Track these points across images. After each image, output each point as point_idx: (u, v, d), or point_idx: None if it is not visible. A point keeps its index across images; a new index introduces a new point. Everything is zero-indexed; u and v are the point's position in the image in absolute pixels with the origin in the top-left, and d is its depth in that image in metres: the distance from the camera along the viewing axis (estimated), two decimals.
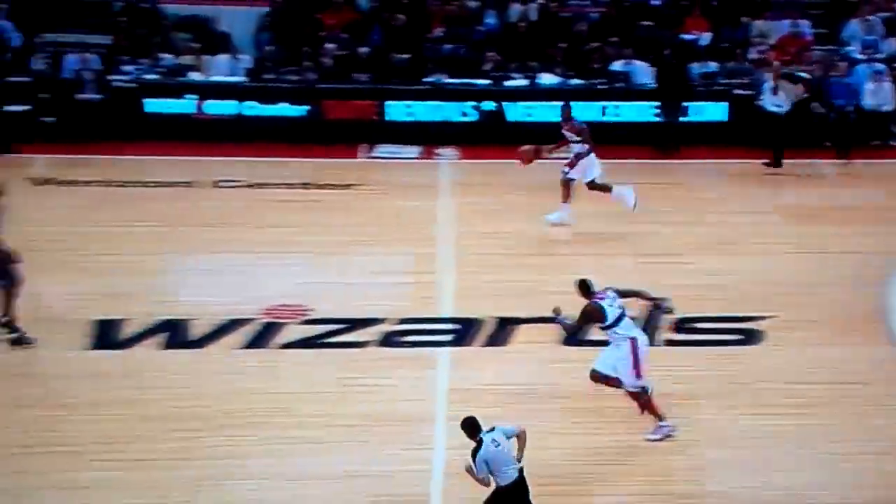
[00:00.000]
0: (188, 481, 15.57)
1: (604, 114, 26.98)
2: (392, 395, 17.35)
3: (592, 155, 22.40)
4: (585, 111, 26.73)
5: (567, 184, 22.49)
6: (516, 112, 27.04)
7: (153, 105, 26.57)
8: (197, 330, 18.98)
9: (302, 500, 15.33)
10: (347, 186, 24.49)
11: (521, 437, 14.19)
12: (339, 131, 26.60)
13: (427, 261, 21.44)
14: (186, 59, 27.56)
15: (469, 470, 13.98)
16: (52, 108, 26.25)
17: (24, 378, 17.59)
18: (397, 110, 27.01)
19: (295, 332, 19.00)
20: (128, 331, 18.90)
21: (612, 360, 16.40)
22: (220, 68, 27.52)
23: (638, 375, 16.32)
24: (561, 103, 22.90)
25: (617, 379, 16.40)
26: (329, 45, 27.72)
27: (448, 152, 26.44)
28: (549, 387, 17.55)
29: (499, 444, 13.95)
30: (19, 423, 16.50)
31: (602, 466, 15.91)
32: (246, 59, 27.70)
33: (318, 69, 27.41)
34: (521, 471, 13.99)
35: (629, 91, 27.23)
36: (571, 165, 22.44)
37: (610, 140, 26.09)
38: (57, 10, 28.07)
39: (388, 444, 16.32)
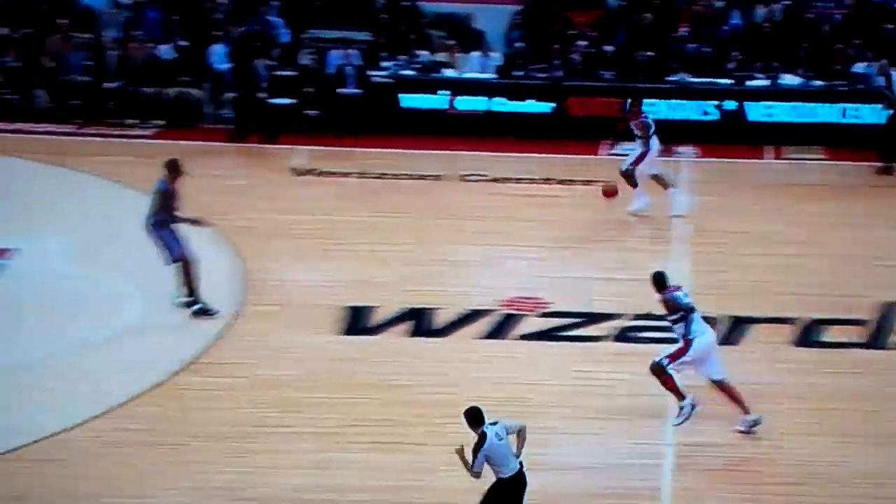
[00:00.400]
0: (429, 466, 15.61)
1: (844, 116, 26.29)
2: (625, 389, 17.17)
3: (651, 152, 22.28)
4: (826, 112, 26.14)
5: (657, 178, 22.47)
6: (757, 112, 26.51)
7: (408, 100, 26.74)
8: (441, 319, 19.04)
9: (537, 489, 15.23)
10: (588, 183, 24.27)
11: (521, 434, 13.89)
12: (582, 128, 26.40)
13: (663, 258, 21.14)
14: (441, 56, 27.66)
15: (460, 453, 13.66)
16: (315, 102, 26.59)
17: (281, 361, 17.86)
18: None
19: (533, 324, 18.93)
20: (377, 318, 19.05)
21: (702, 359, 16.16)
22: (473, 65, 27.55)
23: (671, 359, 16.07)
24: (629, 99, 23.06)
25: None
26: (581, 43, 27.52)
27: (687, 150, 26.06)
28: (780, 387, 17.22)
29: (501, 438, 13.73)
30: (276, 403, 16.76)
31: (822, 468, 15.55)
32: (497, 57, 27.69)
33: (567, 66, 27.26)
34: (521, 464, 13.77)
35: (870, 93, 26.46)
36: (636, 163, 22.39)
37: (849, 143, 25.48)
38: (323, 7, 28.42)
39: (620, 437, 16.19)
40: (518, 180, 24.34)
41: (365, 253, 21.07)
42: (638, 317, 19.04)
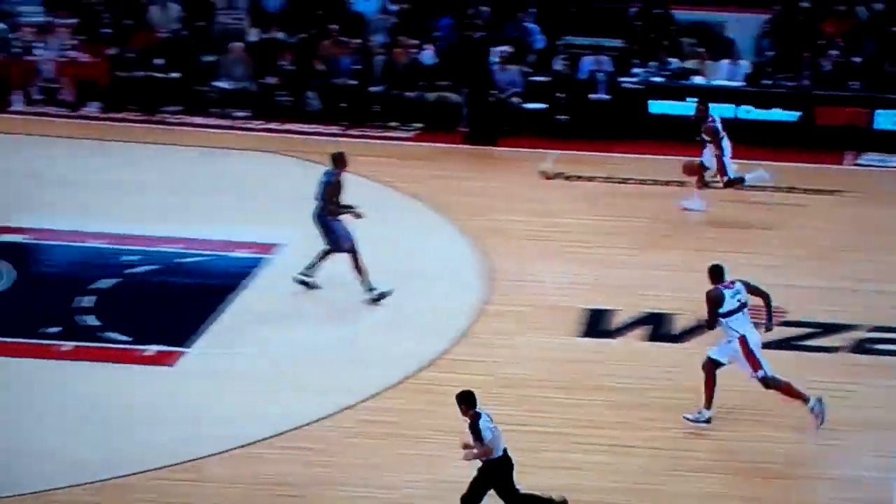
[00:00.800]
0: (659, 470, 15.36)
1: None
2: (860, 401, 16.56)
3: (726, 153, 21.91)
4: None
5: (733, 182, 21.99)
6: None
7: (657, 107, 26.22)
8: (679, 324, 18.62)
9: (767, 498, 14.84)
10: (832, 192, 23.49)
11: None
12: (827, 137, 25.53)
13: None
14: (691, 63, 27.09)
15: (468, 446, 13.68)
16: (566, 108, 26.32)
17: (522, 360, 17.68)
18: (887, 119, 25.66)
19: (769, 333, 18.34)
20: (616, 321, 18.74)
21: (726, 350, 15.81)
22: (721, 73, 26.93)
23: (756, 368, 15.64)
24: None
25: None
26: (832, 52, 26.65)
27: None
28: None
29: (492, 421, 13.69)
30: (515, 402, 16.55)
31: None
32: (745, 65, 27.00)
33: (815, 76, 26.45)
34: (505, 450, 13.67)
35: None
36: (721, 172, 21.85)
37: None
38: (578, 14, 28.12)
39: (853, 449, 15.64)
40: (762, 188, 23.69)
41: (607, 256, 20.76)
42: (876, 328, 18.35)
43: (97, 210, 21.86)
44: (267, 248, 20.64)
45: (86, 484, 14.84)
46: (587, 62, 26.98)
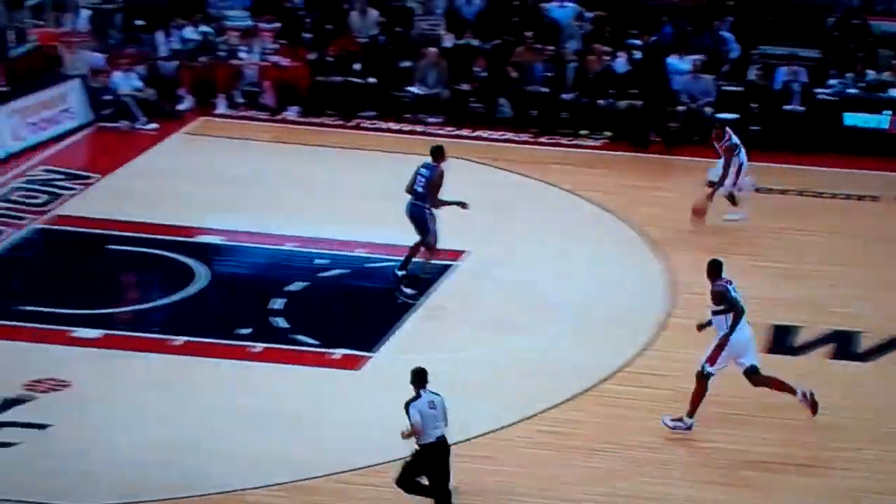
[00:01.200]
0: (843, 491, 15.09)
1: None
2: None
3: (743, 168, 21.64)
4: None
5: (730, 195, 21.77)
6: None
7: (851, 119, 25.58)
8: (865, 343, 18.20)
9: None
10: None
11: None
12: None
13: None
14: (887, 76, 26.40)
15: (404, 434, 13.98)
16: (759, 118, 25.85)
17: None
18: None
19: None
20: (802, 338, 18.35)
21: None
22: None
23: (708, 361, 15.61)
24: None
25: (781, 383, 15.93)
26: None
27: None
28: None
29: (434, 407, 13.73)
30: (696, 416, 16.32)
31: None
32: None
33: None
34: (441, 437, 14.00)
35: None
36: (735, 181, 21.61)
37: None
38: (774, 24, 27.61)
39: None
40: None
41: (794, 271, 20.32)
42: None
43: (292, 213, 22.18)
44: (455, 254, 20.63)
45: (273, 485, 15.09)
46: (782, 72, 26.44)
